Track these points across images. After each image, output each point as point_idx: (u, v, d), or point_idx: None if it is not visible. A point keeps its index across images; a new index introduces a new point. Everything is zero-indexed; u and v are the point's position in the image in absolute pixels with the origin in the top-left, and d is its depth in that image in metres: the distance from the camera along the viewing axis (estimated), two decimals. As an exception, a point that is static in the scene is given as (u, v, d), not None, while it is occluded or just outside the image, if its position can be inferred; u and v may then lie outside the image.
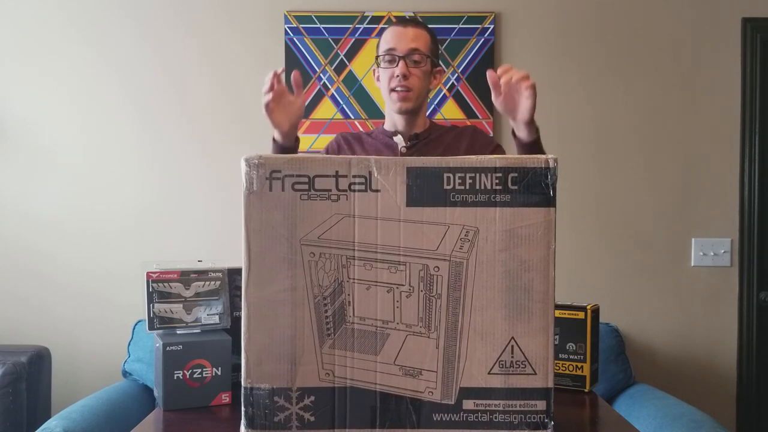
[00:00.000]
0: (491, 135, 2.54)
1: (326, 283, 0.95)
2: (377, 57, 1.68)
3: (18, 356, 2.28)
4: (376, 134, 1.75)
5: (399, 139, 1.68)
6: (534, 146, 1.47)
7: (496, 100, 1.43)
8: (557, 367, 1.35)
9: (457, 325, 0.95)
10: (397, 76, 1.61)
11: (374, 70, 1.75)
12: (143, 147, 2.59)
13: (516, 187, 0.94)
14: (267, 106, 1.49)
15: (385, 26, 2.53)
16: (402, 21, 1.71)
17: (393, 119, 1.72)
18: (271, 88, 1.48)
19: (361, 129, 2.52)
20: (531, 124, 1.45)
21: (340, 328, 0.96)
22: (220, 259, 1.34)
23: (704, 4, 2.60)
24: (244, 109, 2.58)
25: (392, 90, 1.64)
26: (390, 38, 1.65)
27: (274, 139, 1.59)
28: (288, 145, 1.58)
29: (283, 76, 1.51)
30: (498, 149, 1.72)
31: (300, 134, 2.52)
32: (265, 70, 2.51)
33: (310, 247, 0.95)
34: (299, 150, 1.66)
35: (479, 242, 0.95)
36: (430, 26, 1.71)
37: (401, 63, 1.61)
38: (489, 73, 1.42)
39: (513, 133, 1.51)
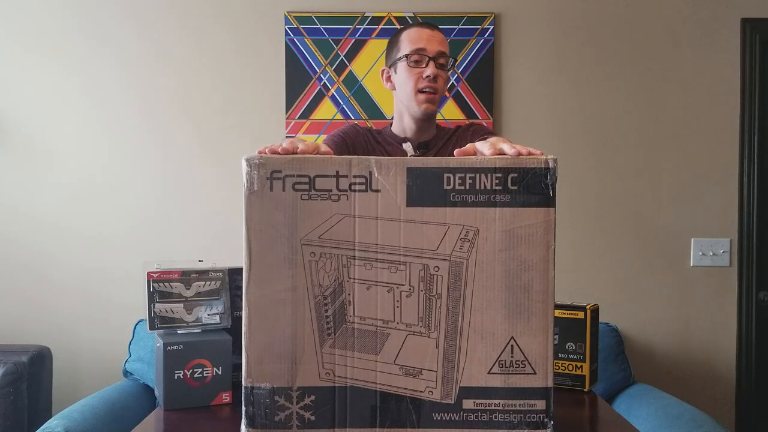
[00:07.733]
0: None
1: (326, 283, 0.96)
2: (405, 56, 1.60)
3: (19, 356, 2.28)
4: (384, 137, 1.71)
5: (408, 147, 1.65)
6: None
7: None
8: (557, 367, 1.35)
9: (457, 324, 0.96)
10: (427, 76, 1.58)
11: (384, 70, 1.69)
12: (144, 147, 2.59)
13: (516, 188, 0.95)
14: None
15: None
16: (426, 23, 1.68)
17: (404, 122, 1.67)
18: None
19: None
20: None
21: (340, 328, 0.96)
22: (220, 259, 1.34)
23: (703, 5, 2.60)
24: (244, 109, 2.58)
25: (420, 91, 1.60)
26: (418, 38, 1.61)
27: None
28: None
29: None
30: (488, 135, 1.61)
31: (300, 134, 2.56)
32: (265, 71, 2.58)
33: (311, 246, 0.95)
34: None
35: (479, 242, 0.95)
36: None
37: (431, 64, 1.59)
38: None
39: None
